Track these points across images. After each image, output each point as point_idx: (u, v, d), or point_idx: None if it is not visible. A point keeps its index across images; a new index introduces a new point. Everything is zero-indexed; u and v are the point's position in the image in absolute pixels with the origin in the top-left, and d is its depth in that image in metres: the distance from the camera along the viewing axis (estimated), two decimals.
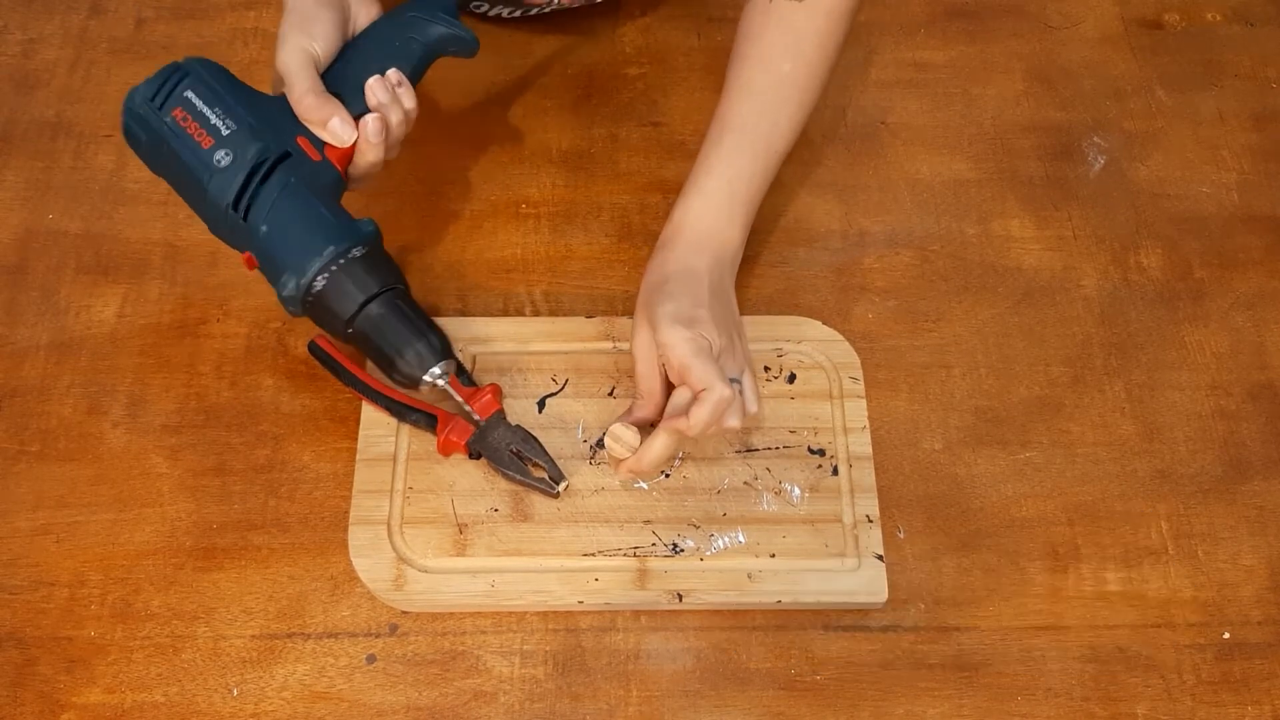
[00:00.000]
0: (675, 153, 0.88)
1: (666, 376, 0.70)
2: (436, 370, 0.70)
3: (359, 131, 0.68)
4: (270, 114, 0.68)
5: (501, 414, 0.72)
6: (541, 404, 0.75)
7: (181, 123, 0.67)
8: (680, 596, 0.69)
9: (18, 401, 0.76)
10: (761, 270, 0.83)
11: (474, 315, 0.80)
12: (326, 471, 0.74)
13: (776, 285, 0.82)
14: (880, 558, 0.70)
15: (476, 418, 0.72)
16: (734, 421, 0.67)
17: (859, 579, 0.69)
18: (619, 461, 0.70)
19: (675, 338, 0.67)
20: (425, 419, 0.72)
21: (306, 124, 0.68)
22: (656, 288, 0.70)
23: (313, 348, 0.75)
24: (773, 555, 0.70)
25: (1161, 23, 0.98)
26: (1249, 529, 0.73)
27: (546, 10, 0.92)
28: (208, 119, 0.67)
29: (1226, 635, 0.70)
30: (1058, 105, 0.92)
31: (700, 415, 0.65)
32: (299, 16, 0.69)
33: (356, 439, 0.74)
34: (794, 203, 0.86)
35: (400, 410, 0.73)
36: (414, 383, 0.70)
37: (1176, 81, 0.94)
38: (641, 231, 0.84)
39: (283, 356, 0.78)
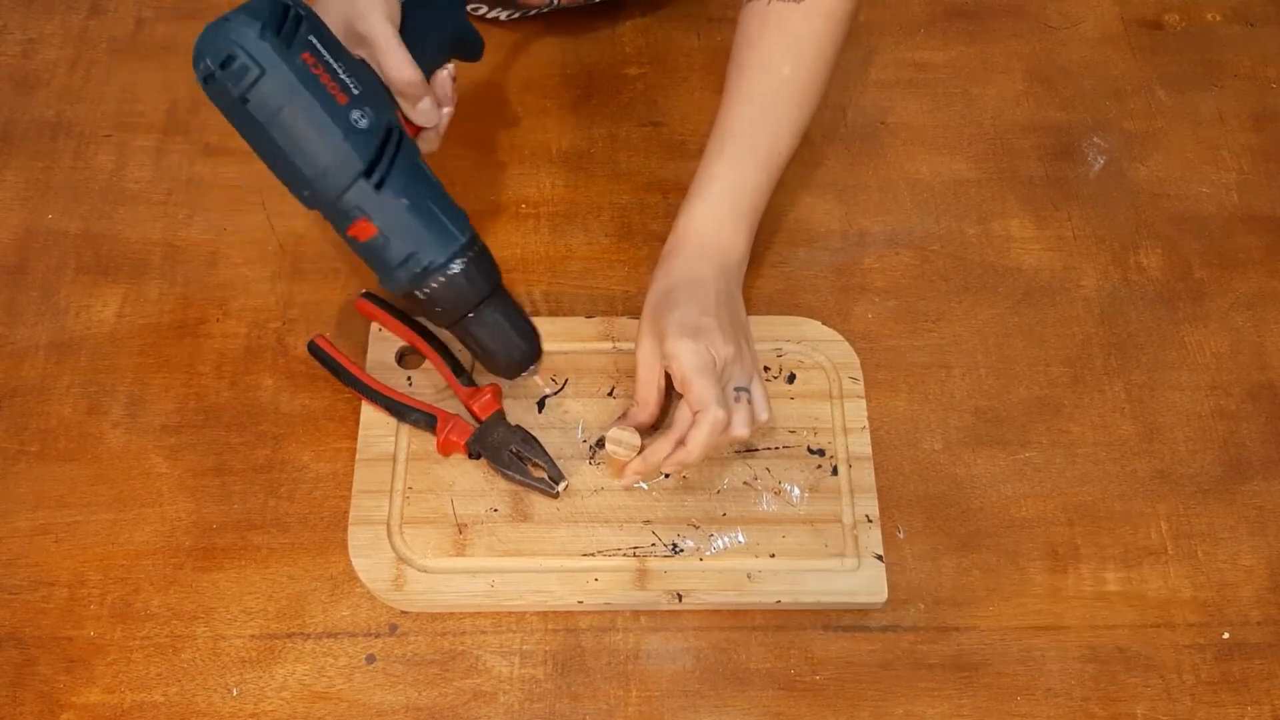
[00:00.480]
0: (675, 153, 0.88)
1: (665, 385, 0.70)
2: (532, 368, 0.71)
3: (437, 122, 0.68)
4: (371, 77, 0.63)
5: (501, 414, 0.72)
6: (541, 404, 0.75)
7: (314, 69, 0.59)
8: (680, 596, 0.69)
9: (18, 401, 0.76)
10: (761, 270, 0.83)
11: None
12: (326, 471, 0.74)
13: (776, 285, 0.82)
14: (880, 558, 0.70)
15: (477, 418, 0.72)
16: (742, 431, 0.67)
17: (859, 579, 0.69)
18: (620, 464, 0.70)
19: (681, 348, 0.66)
20: (425, 419, 0.72)
21: (400, 97, 0.65)
22: (663, 295, 0.70)
23: (312, 348, 0.75)
24: (772, 555, 0.70)
25: (1161, 23, 0.98)
26: (1249, 529, 0.73)
27: (545, 11, 0.92)
28: (336, 72, 0.61)
29: (1226, 635, 0.70)
30: (1058, 105, 0.92)
31: (697, 438, 0.65)
32: None
33: (356, 439, 0.74)
34: (794, 203, 0.86)
35: (400, 410, 0.73)
36: (509, 377, 0.71)
37: (1176, 81, 0.94)
38: (641, 231, 0.84)
39: (283, 356, 0.78)
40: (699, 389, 0.65)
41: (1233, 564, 0.72)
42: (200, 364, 0.78)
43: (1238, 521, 0.74)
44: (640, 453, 0.69)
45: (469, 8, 0.93)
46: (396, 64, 0.63)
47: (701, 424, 0.65)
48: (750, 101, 0.75)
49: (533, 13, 0.91)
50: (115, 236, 0.83)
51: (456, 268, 0.64)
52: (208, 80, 0.58)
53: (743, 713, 0.67)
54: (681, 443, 0.67)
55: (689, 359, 0.66)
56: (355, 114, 0.61)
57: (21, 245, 0.83)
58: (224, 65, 0.58)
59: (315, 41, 0.60)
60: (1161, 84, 0.94)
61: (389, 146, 0.62)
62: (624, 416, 0.71)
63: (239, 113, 0.59)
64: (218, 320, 0.80)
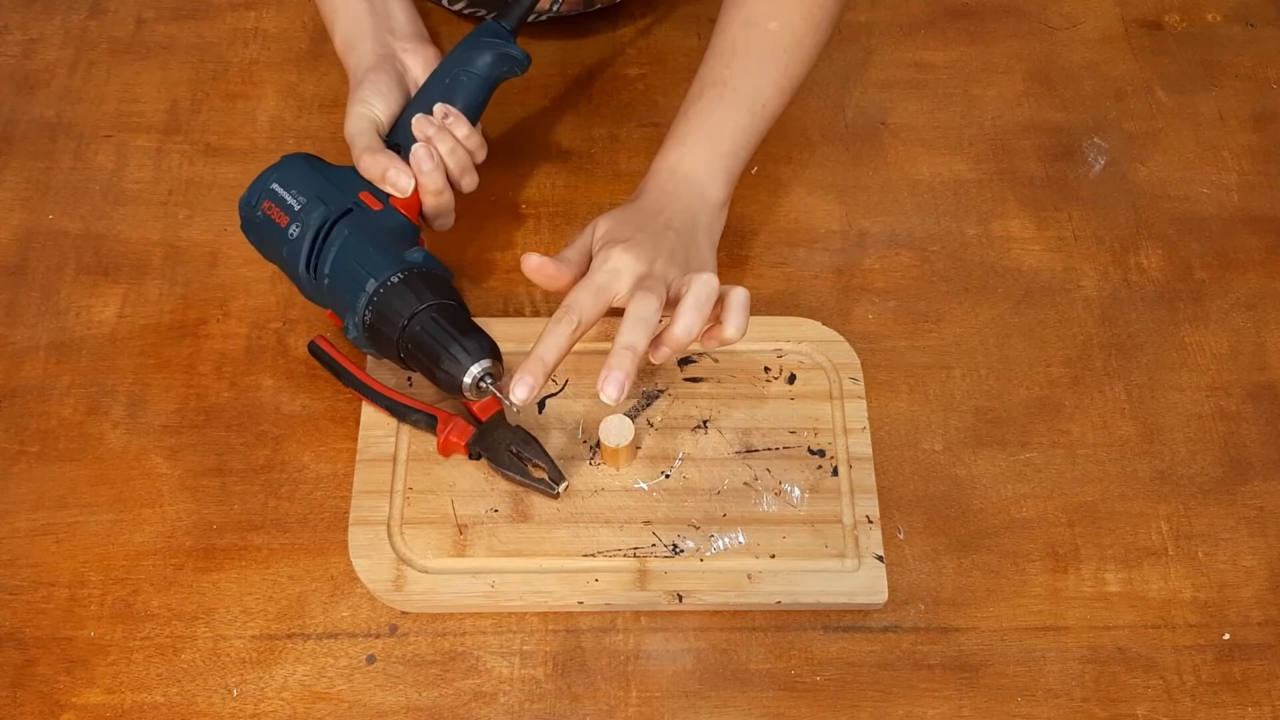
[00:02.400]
0: None
1: (575, 277, 0.69)
2: (476, 370, 0.67)
3: (409, 168, 0.70)
4: (341, 180, 0.72)
5: (502, 414, 0.72)
6: (541, 404, 0.75)
7: (267, 211, 0.71)
8: (680, 597, 0.69)
9: (18, 401, 0.76)
10: (761, 270, 0.83)
11: (474, 315, 0.80)
12: (326, 472, 0.74)
13: (776, 285, 0.82)
14: (880, 558, 0.70)
15: (477, 418, 0.72)
16: (696, 289, 0.64)
17: (859, 580, 0.69)
18: (614, 453, 0.70)
19: (606, 254, 0.66)
20: (425, 419, 0.72)
21: (370, 180, 0.72)
22: (612, 215, 0.71)
23: (313, 348, 0.75)
24: (772, 556, 0.70)
25: (1161, 23, 0.98)
26: (1249, 530, 0.73)
27: (542, 19, 0.92)
28: (285, 201, 0.71)
29: (1226, 636, 0.70)
30: (1058, 106, 0.92)
31: (638, 308, 0.64)
32: (355, 86, 0.74)
33: (356, 439, 0.74)
34: (794, 203, 0.86)
35: (400, 410, 0.73)
36: (456, 389, 0.68)
37: (1176, 82, 0.94)
38: None
39: (283, 357, 0.78)
40: (637, 294, 0.64)
41: (1233, 565, 0.72)
42: (200, 364, 0.78)
43: (1238, 522, 0.74)
44: (634, 442, 0.70)
45: (466, 10, 0.93)
46: (354, 156, 0.72)
47: (633, 301, 0.64)
48: (733, 54, 0.74)
49: (531, 19, 0.91)
50: (115, 236, 0.83)
51: (369, 317, 0.69)
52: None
53: (743, 713, 0.67)
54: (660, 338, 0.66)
55: (629, 269, 0.66)
56: (292, 228, 0.70)
57: (21, 245, 0.83)
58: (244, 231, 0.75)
59: (276, 186, 0.71)
60: (1161, 84, 0.94)
61: (318, 240, 0.70)
62: (545, 261, 0.69)
63: (266, 258, 0.76)
64: (218, 320, 0.80)
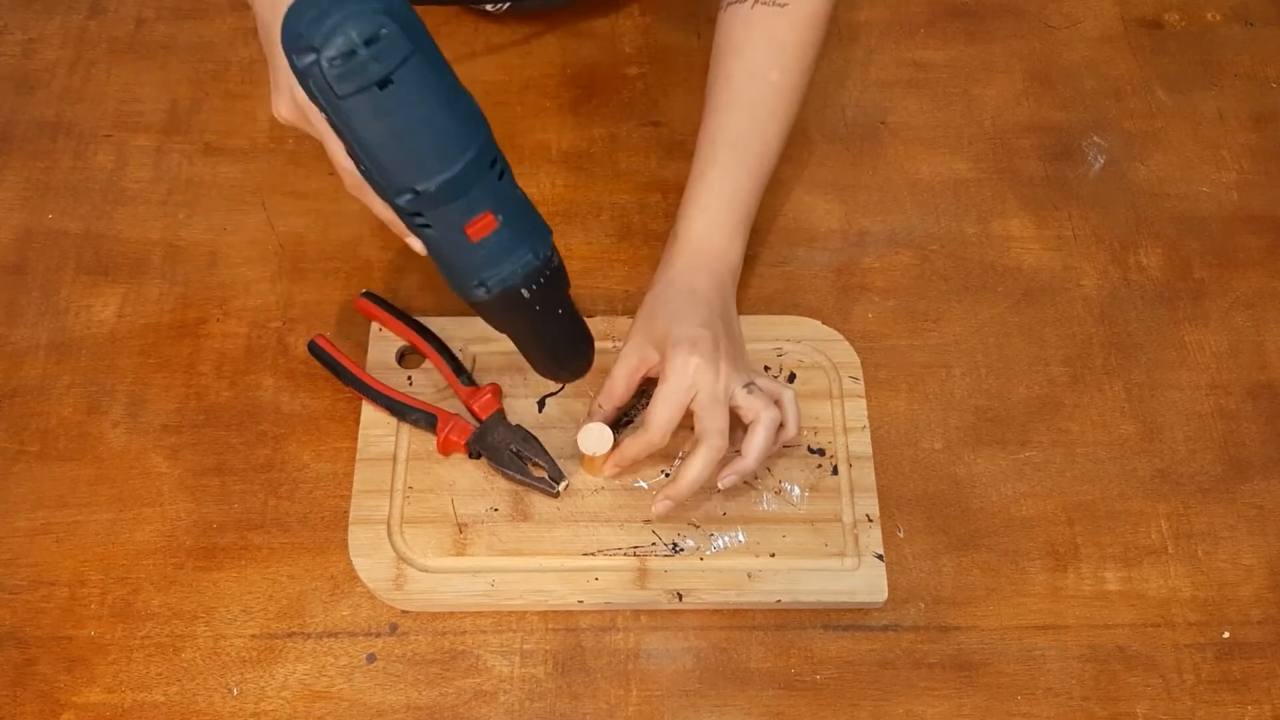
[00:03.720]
0: (675, 153, 0.88)
1: (636, 384, 0.71)
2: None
3: None
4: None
5: (501, 413, 0.72)
6: (541, 404, 0.75)
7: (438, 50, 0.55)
8: (680, 596, 0.69)
9: (18, 401, 0.76)
10: (761, 270, 0.83)
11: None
12: (326, 471, 0.74)
13: (776, 285, 0.82)
14: (880, 557, 0.70)
15: (477, 417, 0.72)
16: (770, 413, 0.68)
17: (859, 578, 0.69)
18: (592, 461, 0.70)
19: (691, 365, 0.67)
20: (425, 418, 0.72)
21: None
22: (660, 301, 0.71)
23: (313, 347, 0.75)
24: (772, 555, 0.70)
25: (1161, 23, 0.98)
26: (1249, 529, 0.73)
27: (537, 3, 0.92)
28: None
29: (1226, 635, 0.70)
30: (1058, 105, 0.92)
31: (695, 465, 0.67)
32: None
33: (356, 439, 0.74)
34: (794, 203, 0.86)
35: (400, 410, 0.73)
36: (581, 374, 0.71)
37: (1176, 81, 0.94)
38: (641, 231, 0.84)
39: (283, 356, 0.78)
40: (710, 415, 0.66)
41: (1233, 563, 0.72)
42: (200, 364, 0.78)
43: (1238, 521, 0.74)
44: (613, 448, 0.70)
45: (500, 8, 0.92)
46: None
47: (700, 451, 0.66)
48: (739, 108, 0.75)
49: (523, 3, 0.90)
50: (115, 236, 0.83)
51: (557, 257, 0.62)
52: (344, 58, 0.49)
53: (743, 712, 0.67)
54: (675, 479, 0.68)
55: (706, 385, 0.67)
56: (471, 99, 0.56)
57: (21, 245, 0.83)
58: (370, 41, 0.49)
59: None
60: (1161, 84, 0.94)
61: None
62: (589, 413, 0.71)
63: (370, 99, 0.51)
64: (218, 320, 0.80)
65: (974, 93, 0.93)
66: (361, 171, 0.57)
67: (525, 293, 0.61)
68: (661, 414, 0.67)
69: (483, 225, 0.57)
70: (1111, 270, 0.84)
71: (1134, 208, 0.87)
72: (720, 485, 0.69)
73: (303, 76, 0.51)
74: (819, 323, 0.79)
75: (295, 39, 0.50)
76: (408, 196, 0.55)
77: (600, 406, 0.71)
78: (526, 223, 0.60)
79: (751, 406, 0.68)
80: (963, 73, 0.94)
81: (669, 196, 0.86)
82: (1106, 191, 0.88)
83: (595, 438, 0.70)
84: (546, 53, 0.94)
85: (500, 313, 0.63)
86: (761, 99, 0.75)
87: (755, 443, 0.67)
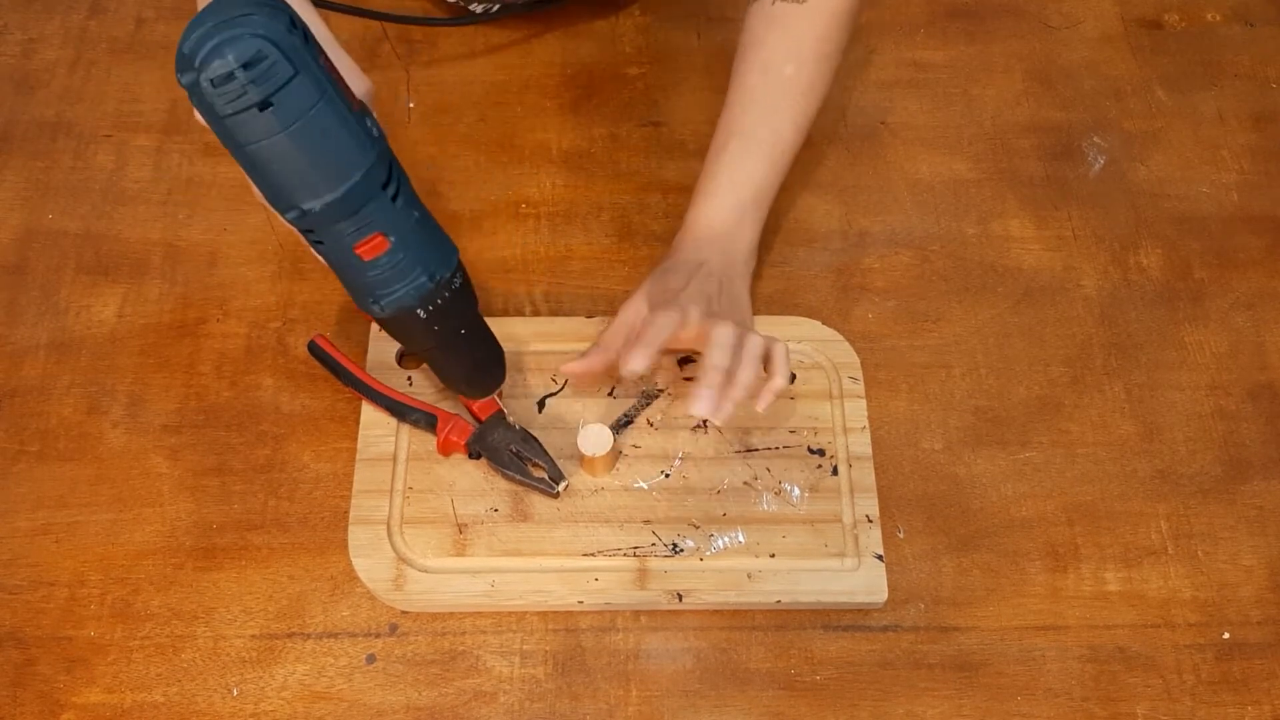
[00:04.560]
0: (675, 153, 0.88)
1: (630, 334, 0.71)
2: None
3: None
4: None
5: (501, 414, 0.72)
6: (541, 404, 0.75)
7: (330, 71, 0.54)
8: (680, 596, 0.69)
9: (18, 401, 0.76)
10: (761, 270, 0.82)
11: None
12: (326, 471, 0.74)
13: (776, 285, 0.82)
14: (880, 558, 0.70)
15: (477, 417, 0.72)
16: (752, 342, 0.68)
17: (859, 579, 0.69)
18: (593, 462, 0.70)
19: (689, 312, 0.68)
20: (425, 419, 0.72)
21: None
22: (660, 273, 0.73)
23: (312, 347, 0.75)
24: (772, 555, 0.70)
25: (1161, 23, 0.98)
26: (1249, 529, 0.73)
27: (522, 5, 0.92)
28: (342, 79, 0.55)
29: (1226, 635, 0.70)
30: (1058, 105, 0.92)
31: (716, 354, 0.66)
32: None
33: (356, 439, 0.74)
34: (794, 203, 0.86)
35: (400, 410, 0.73)
36: (488, 391, 0.70)
37: (1176, 81, 0.94)
38: (641, 231, 0.84)
39: (282, 356, 0.78)
40: (715, 323, 0.67)
41: (1233, 564, 0.72)
42: (200, 364, 0.78)
43: (1238, 521, 0.74)
44: (613, 449, 0.71)
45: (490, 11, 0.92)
46: (355, 75, 0.64)
47: (720, 328, 0.67)
48: (754, 101, 0.76)
49: (511, 8, 0.91)
50: (115, 236, 0.83)
51: (459, 280, 0.62)
52: (223, 79, 0.50)
53: (743, 712, 0.67)
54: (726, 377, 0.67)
55: (698, 306, 0.68)
56: (368, 121, 0.56)
57: (21, 245, 0.83)
58: (249, 65, 0.49)
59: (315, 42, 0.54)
60: (1161, 84, 0.94)
61: (393, 158, 0.58)
62: (584, 356, 0.72)
63: (250, 120, 0.51)
64: (218, 320, 0.80)
65: (974, 93, 0.93)
66: (255, 186, 0.57)
67: (421, 313, 0.61)
68: (618, 319, 0.71)
69: (373, 246, 0.57)
70: (1111, 270, 0.84)
71: (1134, 208, 0.87)
72: (759, 408, 0.67)
73: (188, 93, 0.51)
74: (819, 323, 0.79)
75: (180, 56, 0.50)
76: (294, 214, 0.56)
77: (591, 358, 0.72)
78: (422, 244, 0.60)
79: (714, 328, 0.67)
80: (963, 73, 0.94)
81: (669, 196, 0.86)
82: (1106, 192, 0.88)
83: (595, 438, 0.70)
84: (546, 53, 0.94)
85: (398, 330, 0.63)
86: (775, 92, 0.76)
87: (778, 362, 0.67)
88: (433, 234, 0.61)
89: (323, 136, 0.53)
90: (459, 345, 0.66)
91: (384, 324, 0.63)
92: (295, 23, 0.51)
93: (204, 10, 0.50)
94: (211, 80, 0.50)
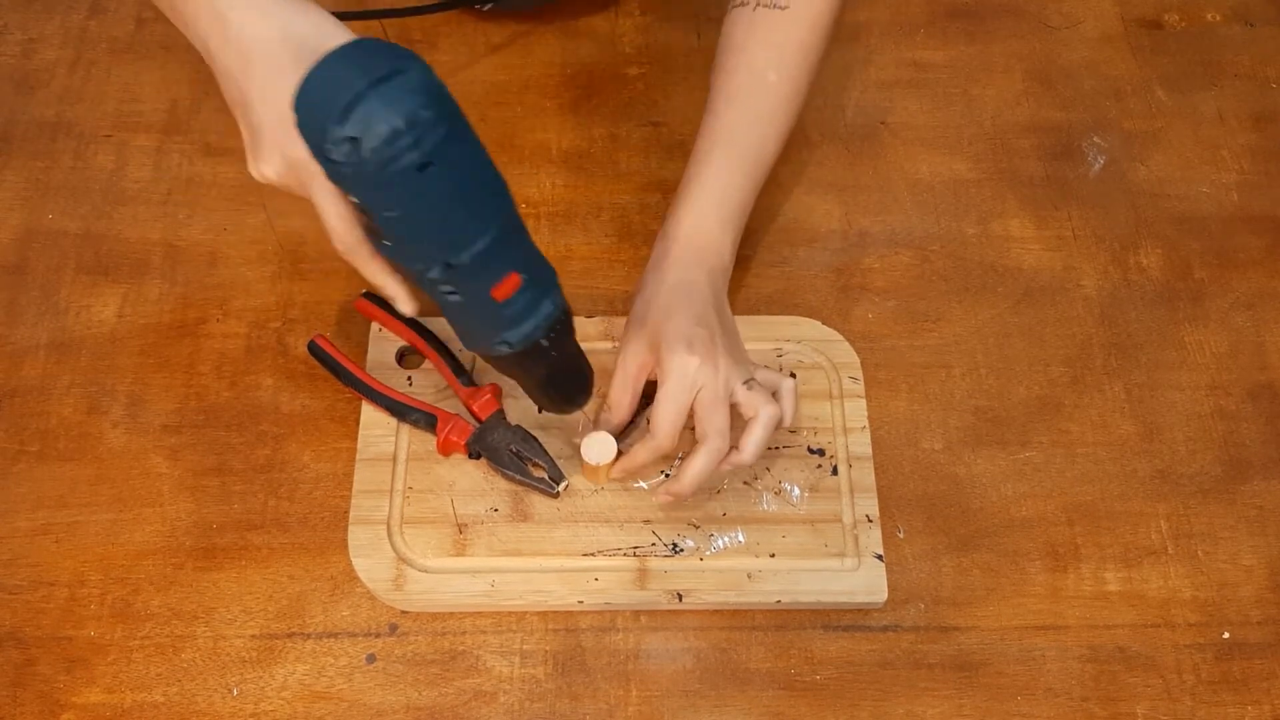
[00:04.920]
0: (675, 153, 0.88)
1: (640, 390, 0.70)
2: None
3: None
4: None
5: (501, 414, 0.72)
6: None
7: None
8: (680, 596, 0.69)
9: (18, 401, 0.76)
10: (761, 270, 0.83)
11: None
12: (326, 471, 0.74)
13: (776, 285, 0.82)
14: (880, 558, 0.70)
15: (477, 417, 0.72)
16: (770, 409, 0.67)
17: (859, 579, 0.69)
18: (594, 470, 0.70)
19: (688, 365, 0.66)
20: (425, 419, 0.72)
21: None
22: (654, 299, 0.70)
23: (313, 348, 0.75)
24: (772, 555, 0.70)
25: (1161, 23, 0.98)
26: (1249, 529, 0.73)
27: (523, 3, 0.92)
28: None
29: (1226, 635, 0.70)
30: (1058, 105, 0.92)
31: (696, 466, 0.67)
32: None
33: (356, 439, 0.73)
34: (794, 203, 0.86)
35: (400, 410, 0.73)
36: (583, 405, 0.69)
37: (1176, 81, 0.94)
38: (641, 231, 0.84)
39: (282, 356, 0.78)
40: (711, 416, 0.66)
41: (1233, 564, 0.72)
42: (200, 364, 0.78)
43: (1238, 521, 0.74)
44: (618, 457, 0.70)
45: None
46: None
47: (701, 452, 0.66)
48: (736, 107, 0.75)
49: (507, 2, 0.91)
50: (115, 236, 0.83)
51: (565, 302, 0.61)
52: (386, 145, 0.47)
53: (743, 712, 0.67)
54: (677, 474, 0.68)
55: (707, 384, 0.66)
56: (492, 164, 0.54)
57: (21, 245, 0.83)
58: (411, 126, 0.47)
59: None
60: (1161, 84, 0.94)
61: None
62: (595, 422, 0.71)
63: (406, 182, 0.49)
64: (218, 320, 0.80)
65: (974, 93, 0.93)
66: (384, 247, 0.55)
67: (544, 342, 0.60)
68: (666, 418, 0.66)
69: (509, 285, 0.56)
70: (1111, 270, 0.84)
71: (1134, 208, 0.87)
72: (658, 499, 0.70)
73: (333, 164, 0.49)
74: (819, 323, 0.79)
75: (325, 127, 0.47)
76: (437, 270, 0.54)
77: (608, 419, 0.71)
78: (543, 273, 0.59)
79: (751, 403, 0.67)
80: (963, 73, 0.94)
81: (669, 196, 0.85)
82: (1106, 192, 0.88)
83: (599, 447, 0.70)
84: (546, 53, 0.94)
85: (517, 364, 0.62)
86: (758, 99, 0.75)
87: (753, 439, 0.67)
88: (544, 258, 0.59)
89: (475, 185, 0.52)
90: (570, 363, 0.65)
91: (504, 361, 0.61)
92: (430, 68, 0.49)
93: (337, 59, 0.48)
94: (374, 149, 0.47)
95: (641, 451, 0.68)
